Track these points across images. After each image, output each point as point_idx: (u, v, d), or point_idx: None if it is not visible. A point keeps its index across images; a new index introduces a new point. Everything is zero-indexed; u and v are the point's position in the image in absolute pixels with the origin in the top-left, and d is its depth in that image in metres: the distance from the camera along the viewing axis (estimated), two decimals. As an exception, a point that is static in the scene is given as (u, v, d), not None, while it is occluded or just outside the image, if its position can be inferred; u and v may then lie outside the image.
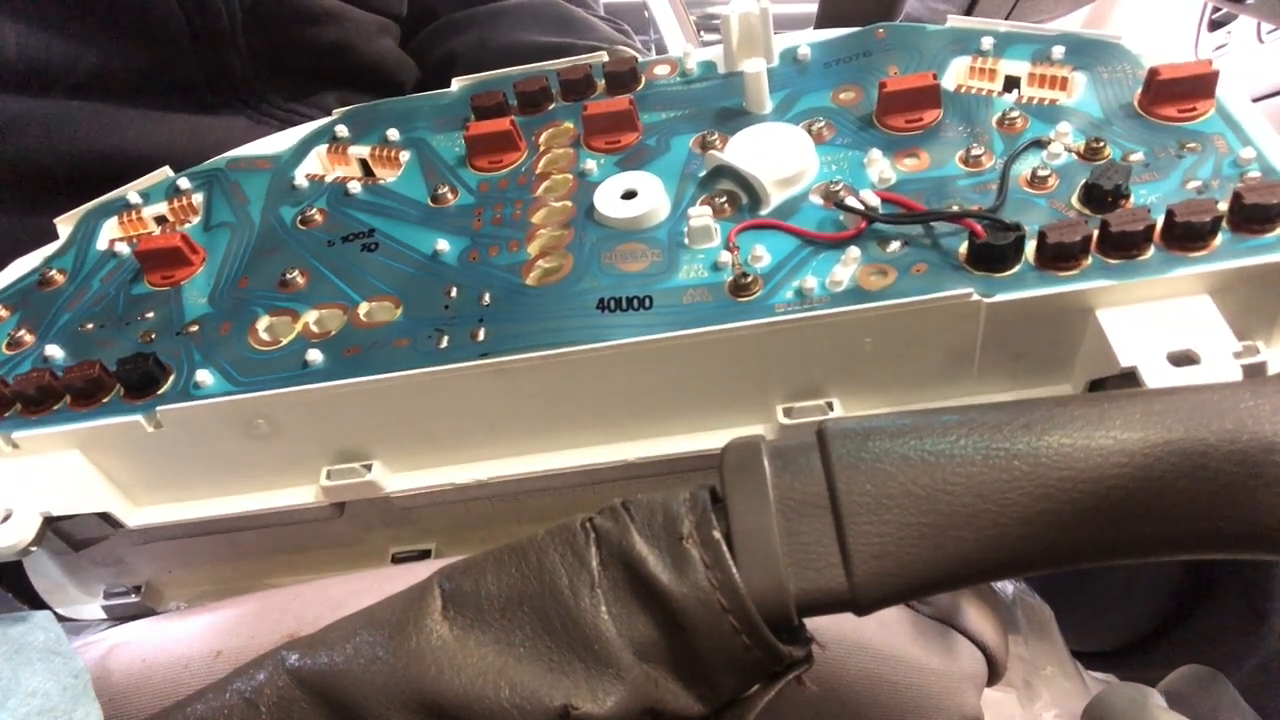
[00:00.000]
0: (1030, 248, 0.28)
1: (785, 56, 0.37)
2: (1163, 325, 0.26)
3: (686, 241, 0.31)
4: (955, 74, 0.35)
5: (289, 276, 0.33)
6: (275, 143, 0.39)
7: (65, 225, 0.38)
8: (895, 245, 0.29)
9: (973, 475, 0.19)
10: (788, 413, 0.30)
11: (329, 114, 0.40)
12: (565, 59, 0.39)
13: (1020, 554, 0.19)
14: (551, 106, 0.38)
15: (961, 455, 0.19)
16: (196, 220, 0.37)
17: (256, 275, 0.34)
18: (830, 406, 0.29)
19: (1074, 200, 0.29)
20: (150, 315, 0.33)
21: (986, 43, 0.35)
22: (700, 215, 0.31)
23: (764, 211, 0.31)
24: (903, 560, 0.19)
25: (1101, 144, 0.30)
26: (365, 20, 0.51)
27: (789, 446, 0.20)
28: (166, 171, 0.39)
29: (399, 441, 0.31)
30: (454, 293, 0.31)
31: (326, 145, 0.38)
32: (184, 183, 0.38)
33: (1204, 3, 1.02)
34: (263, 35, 0.45)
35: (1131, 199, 0.29)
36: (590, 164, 0.34)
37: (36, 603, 0.36)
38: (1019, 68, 0.34)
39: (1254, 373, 0.26)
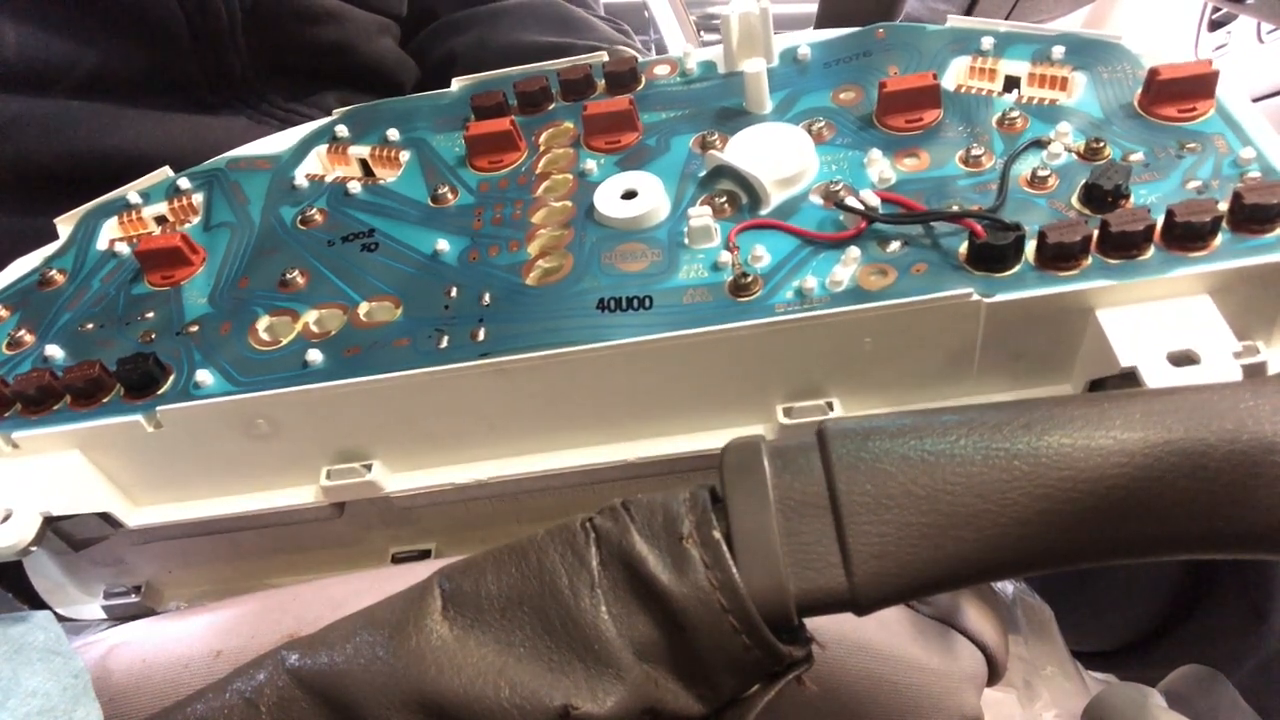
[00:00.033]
0: (1030, 248, 0.28)
1: (785, 56, 0.37)
2: (1163, 325, 0.26)
3: (686, 241, 0.31)
4: (955, 74, 0.35)
5: (289, 276, 0.33)
6: (275, 143, 0.39)
7: (65, 225, 0.38)
8: (895, 245, 0.29)
9: (973, 475, 0.19)
10: (788, 413, 0.30)
11: (329, 114, 0.40)
12: (565, 59, 0.39)
13: (1020, 554, 0.19)
14: (551, 106, 0.38)
15: (961, 455, 0.19)
16: (196, 220, 0.37)
17: (256, 275, 0.34)
18: (830, 406, 0.29)
19: (1074, 200, 0.29)
20: (150, 315, 0.33)
21: (986, 43, 0.35)
22: (700, 215, 0.31)
23: (764, 211, 0.31)
24: (903, 560, 0.19)
25: (1101, 144, 0.30)
26: (365, 20, 0.51)
27: (789, 446, 0.20)
28: (166, 171, 0.39)
29: (399, 441, 0.31)
30: (454, 293, 0.31)
31: (326, 145, 0.38)
32: (184, 183, 0.38)
33: (1204, 3, 1.02)
34: (263, 35, 0.45)
35: (1131, 199, 0.29)
36: (590, 164, 0.34)
37: (36, 603, 0.36)
38: (1019, 68, 0.34)
39: (1254, 373, 0.26)
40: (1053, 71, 0.34)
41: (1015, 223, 0.28)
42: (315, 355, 0.30)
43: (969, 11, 0.67)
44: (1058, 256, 0.27)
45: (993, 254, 0.28)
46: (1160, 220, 0.27)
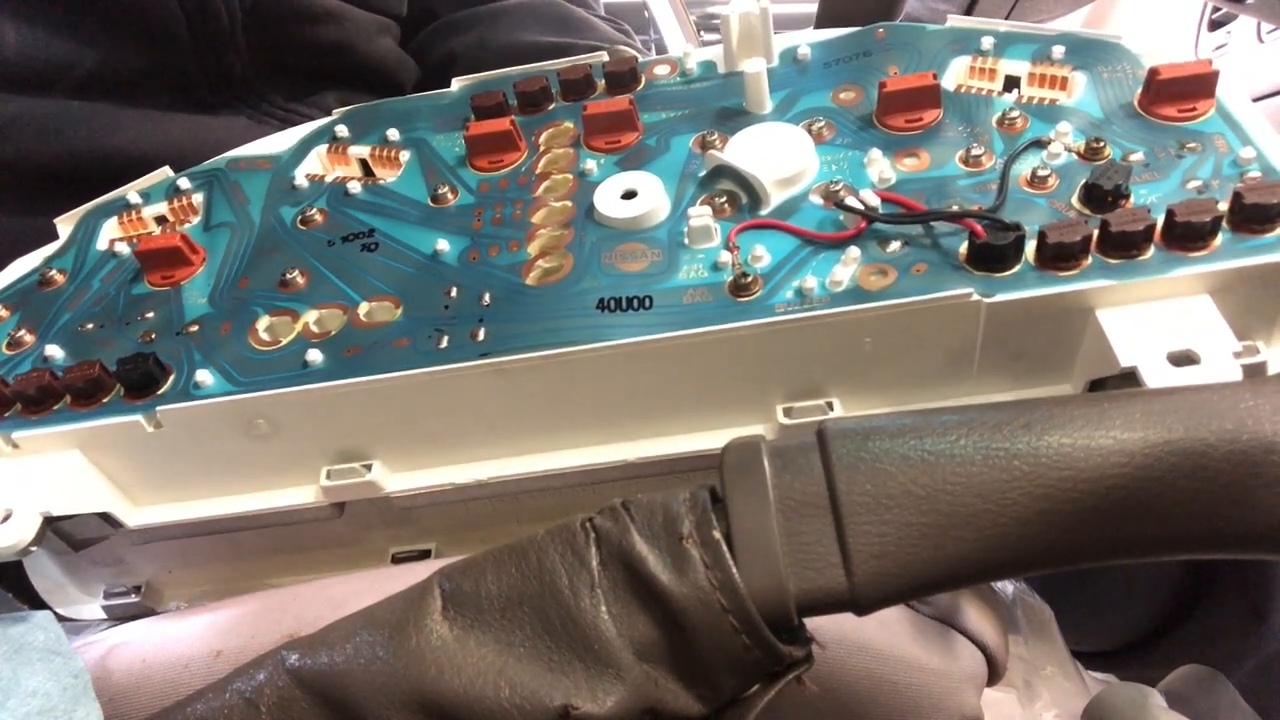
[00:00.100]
0: (1030, 248, 0.28)
1: (785, 56, 0.37)
2: (1163, 325, 0.26)
3: (686, 241, 0.31)
4: (955, 74, 0.35)
5: (289, 276, 0.33)
6: (275, 143, 0.39)
7: (65, 225, 0.38)
8: (895, 245, 0.29)
9: (973, 475, 0.19)
10: (788, 413, 0.30)
11: (329, 114, 0.40)
12: (565, 59, 0.39)
13: (1020, 554, 0.19)
14: (551, 106, 0.38)
15: (961, 455, 0.19)
16: (196, 220, 0.37)
17: (256, 275, 0.34)
18: (830, 406, 0.29)
19: (1074, 200, 0.29)
20: (150, 315, 0.33)
21: (986, 42, 0.35)
22: (700, 215, 0.31)
23: (764, 211, 0.31)
24: (903, 560, 0.19)
25: (1101, 144, 0.30)
26: (365, 20, 0.51)
27: (789, 446, 0.20)
28: (166, 171, 0.39)
29: (399, 441, 0.31)
30: (454, 293, 0.31)
31: (326, 145, 0.38)
32: (184, 183, 0.38)
33: (1204, 3, 1.02)
34: (263, 35, 0.45)
35: (1131, 199, 0.29)
36: (590, 164, 0.34)
37: (36, 603, 0.36)
38: (1019, 67, 0.34)
39: (1254, 373, 0.26)
40: (1053, 71, 0.34)
41: (1015, 223, 0.28)
42: (315, 355, 0.30)
43: (969, 11, 0.67)
44: (1058, 256, 0.27)
45: (993, 254, 0.28)
46: (1160, 220, 0.27)
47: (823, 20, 0.58)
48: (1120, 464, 0.18)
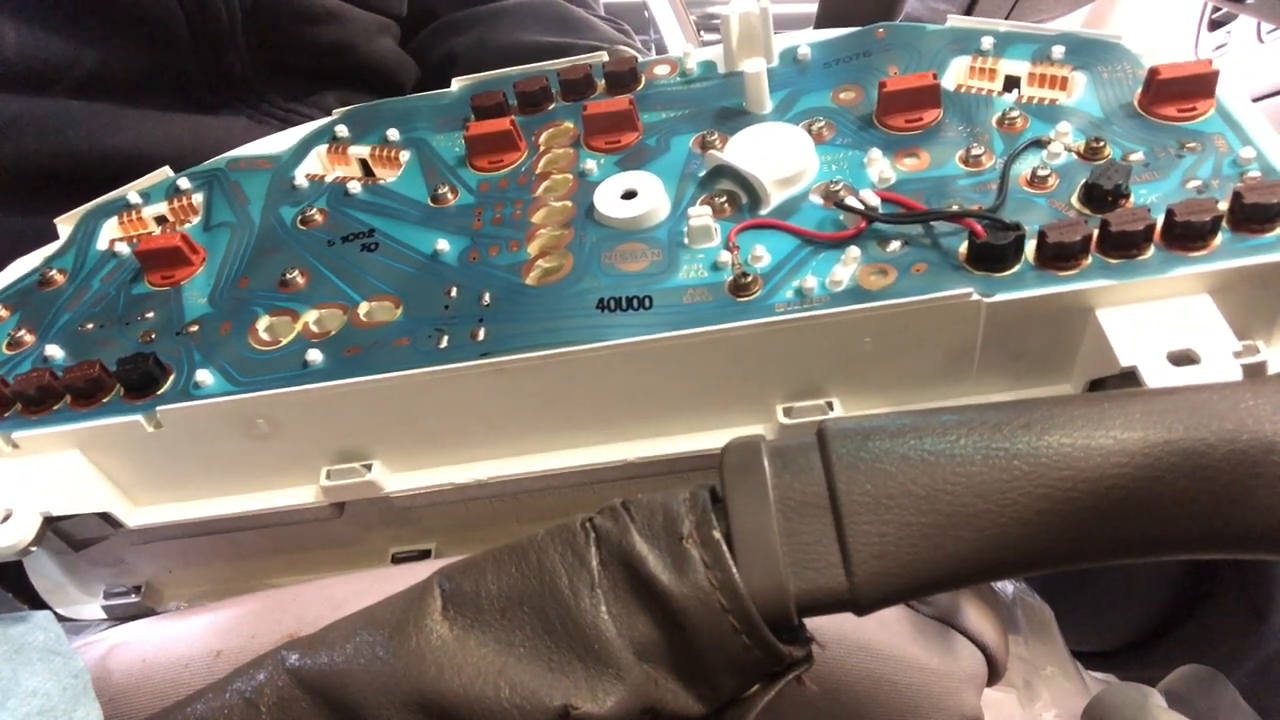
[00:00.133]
0: (1030, 247, 0.28)
1: (785, 56, 0.37)
2: (1163, 325, 0.26)
3: (686, 241, 0.31)
4: (955, 74, 0.35)
5: (289, 276, 0.33)
6: (275, 143, 0.39)
7: (65, 225, 0.38)
8: (895, 245, 0.29)
9: (973, 475, 0.19)
10: (788, 412, 0.30)
11: (329, 114, 0.40)
12: (565, 59, 0.39)
13: (1020, 554, 0.19)
14: (551, 106, 0.38)
15: (961, 455, 0.19)
16: (196, 220, 0.37)
17: (256, 275, 0.34)
18: (830, 406, 0.29)
19: (1074, 200, 0.29)
20: (150, 315, 0.33)
21: (986, 42, 0.35)
22: (700, 215, 0.31)
23: (764, 211, 0.31)
24: (903, 560, 0.19)
25: (1101, 144, 0.30)
26: (365, 20, 0.51)
27: (789, 446, 0.20)
28: (166, 171, 0.39)
29: (399, 441, 0.31)
30: (454, 293, 0.31)
31: (326, 145, 0.38)
32: (184, 183, 0.38)
33: (1204, 3, 1.02)
34: (263, 35, 0.45)
35: (1131, 199, 0.29)
36: (590, 164, 0.34)
37: (36, 603, 0.36)
38: (1019, 67, 0.34)
39: (1254, 372, 0.26)
40: (1053, 71, 0.34)
41: (1015, 222, 0.28)
42: (315, 355, 0.30)
43: (969, 11, 0.67)
44: (1058, 256, 0.27)
45: (993, 254, 0.28)
46: (1160, 220, 0.27)
47: (823, 20, 0.58)
48: (1120, 464, 0.18)
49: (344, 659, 0.20)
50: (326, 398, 0.30)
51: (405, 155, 0.37)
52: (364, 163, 0.38)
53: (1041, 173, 0.30)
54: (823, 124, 0.34)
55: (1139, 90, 0.32)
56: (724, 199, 0.32)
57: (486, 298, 0.31)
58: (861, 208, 0.30)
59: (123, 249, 0.36)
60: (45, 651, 0.26)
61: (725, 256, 0.30)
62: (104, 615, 0.36)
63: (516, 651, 0.19)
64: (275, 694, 0.20)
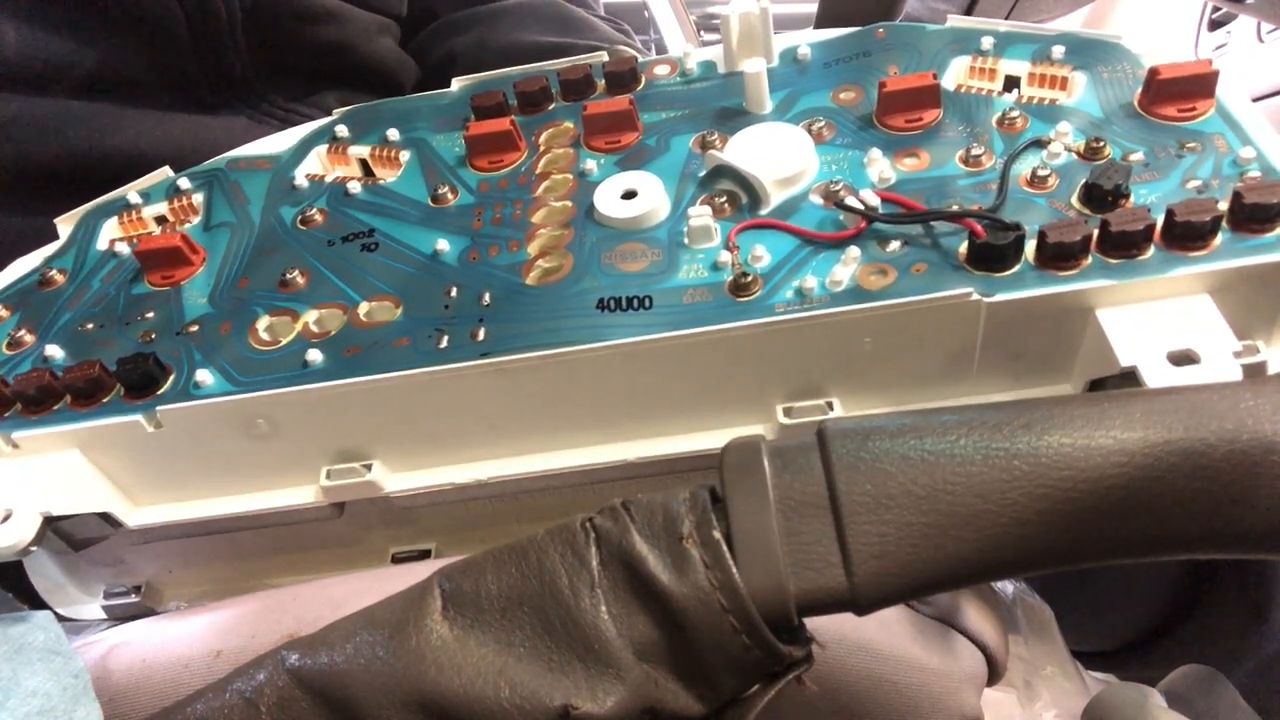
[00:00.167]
0: (1030, 247, 0.28)
1: (785, 56, 0.37)
2: (1163, 325, 0.26)
3: (686, 241, 0.31)
4: (955, 74, 0.35)
5: (289, 276, 0.33)
6: (275, 143, 0.39)
7: (65, 225, 0.38)
8: (895, 245, 0.29)
9: (973, 475, 0.19)
10: (788, 412, 0.30)
11: (329, 114, 0.40)
12: (565, 59, 0.39)
13: (1020, 554, 0.19)
14: (551, 106, 0.38)
15: (961, 455, 0.19)
16: (196, 220, 0.37)
17: (256, 275, 0.34)
18: (830, 406, 0.29)
19: (1074, 200, 0.29)
20: (150, 315, 0.33)
21: (986, 42, 0.35)
22: (700, 215, 0.31)
23: (764, 211, 0.31)
24: (903, 560, 0.19)
25: (1101, 144, 0.30)
26: (365, 20, 0.51)
27: (789, 446, 0.20)
28: (166, 171, 0.39)
29: (399, 441, 0.31)
30: (454, 293, 0.31)
31: (326, 145, 0.38)
32: (184, 183, 0.38)
33: (1204, 3, 1.02)
34: (263, 35, 0.46)
35: (1131, 198, 0.29)
36: (590, 164, 0.34)
37: (36, 603, 0.36)
38: (1019, 67, 0.34)
39: (1254, 372, 0.26)
40: (1053, 71, 0.34)
41: (1015, 222, 0.28)
42: (315, 355, 0.30)
43: (969, 11, 0.67)
44: (1058, 256, 0.27)
45: (993, 254, 0.28)
46: (1160, 220, 0.27)
47: (823, 20, 0.58)
48: (1120, 464, 0.18)
49: (344, 659, 0.20)
50: (326, 398, 0.30)
51: (405, 155, 0.37)
52: (364, 163, 0.38)
53: (1041, 173, 0.30)
54: (823, 124, 0.34)
55: (1139, 90, 0.32)
56: (724, 199, 0.32)
57: (486, 298, 0.31)
58: (861, 208, 0.30)
59: (123, 249, 0.36)
60: (45, 651, 0.26)
61: (725, 256, 0.30)
62: (104, 615, 0.36)
63: (516, 651, 0.19)
64: (275, 694, 0.20)
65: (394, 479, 0.32)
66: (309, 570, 0.36)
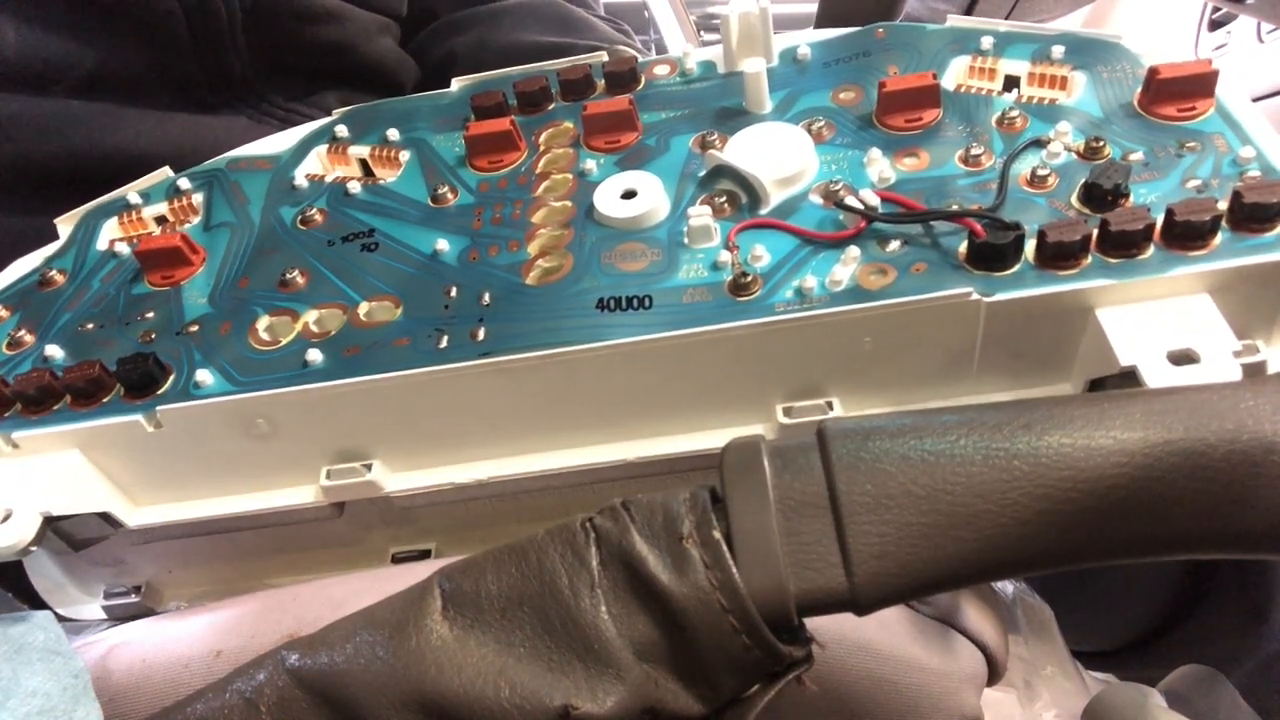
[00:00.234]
0: (1030, 247, 0.28)
1: (785, 56, 0.37)
2: (1162, 324, 0.26)
3: (686, 241, 0.31)
4: (955, 74, 0.35)
5: (289, 276, 0.33)
6: (275, 143, 0.39)
7: (65, 225, 0.38)
8: (895, 245, 0.29)
9: (973, 475, 0.19)
10: (788, 412, 0.30)
11: (329, 114, 0.40)
12: (565, 59, 0.39)
13: (1020, 554, 0.19)
14: (551, 106, 0.38)
15: (961, 455, 0.19)
16: (196, 220, 0.37)
17: (256, 275, 0.34)
18: (830, 406, 0.29)
19: (1074, 199, 0.29)
20: (150, 315, 0.33)
21: (986, 42, 0.35)
22: (700, 215, 0.31)
23: (764, 211, 0.31)
24: (903, 560, 0.19)
25: (1101, 143, 0.30)
26: (365, 20, 0.51)
27: (789, 446, 0.20)
28: (166, 171, 0.39)
29: (399, 441, 0.31)
30: (454, 292, 0.31)
31: (326, 145, 0.38)
32: (184, 183, 0.38)
33: (1204, 3, 1.02)
34: (263, 35, 0.46)
35: (1131, 198, 0.29)
36: (590, 164, 0.34)
37: (36, 603, 0.36)
38: (1019, 67, 0.34)
39: (1254, 372, 0.26)
40: (1052, 71, 0.34)
41: (1015, 222, 0.28)
42: (315, 355, 0.30)
43: (969, 11, 0.67)
44: (1057, 256, 0.27)
45: (992, 253, 0.28)
46: (1160, 219, 0.27)
47: (823, 20, 0.58)
48: (1120, 464, 0.18)
49: (344, 659, 0.20)
50: (326, 398, 0.30)
51: (405, 155, 0.37)
52: (364, 163, 0.38)
53: (1041, 172, 0.30)
54: (822, 124, 0.34)
55: (1139, 90, 0.32)
56: (724, 199, 0.32)
57: (486, 297, 0.31)
58: (861, 207, 0.30)
59: (123, 249, 0.36)
60: (45, 651, 0.26)
61: (725, 256, 0.30)
62: (104, 615, 0.36)
63: (516, 651, 0.19)
64: (275, 694, 0.20)
65: (394, 479, 0.32)
66: (309, 570, 0.36)
